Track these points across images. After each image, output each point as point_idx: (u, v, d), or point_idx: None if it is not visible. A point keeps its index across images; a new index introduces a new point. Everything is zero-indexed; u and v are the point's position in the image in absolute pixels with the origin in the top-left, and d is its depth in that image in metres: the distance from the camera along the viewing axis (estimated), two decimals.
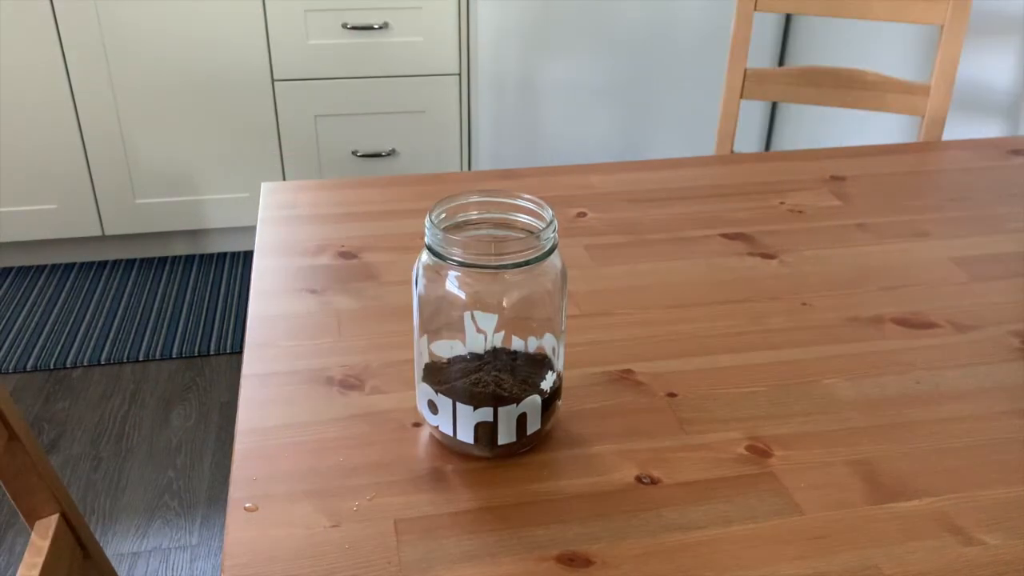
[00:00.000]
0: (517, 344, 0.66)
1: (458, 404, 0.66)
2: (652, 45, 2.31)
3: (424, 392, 0.68)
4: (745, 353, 0.83)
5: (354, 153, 2.39)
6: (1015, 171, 1.22)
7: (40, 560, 0.83)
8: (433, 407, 0.68)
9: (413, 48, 2.29)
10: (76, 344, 2.16)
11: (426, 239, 0.64)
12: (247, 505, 0.65)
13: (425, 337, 0.67)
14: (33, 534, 0.86)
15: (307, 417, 0.73)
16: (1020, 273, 0.97)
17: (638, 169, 1.21)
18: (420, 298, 0.66)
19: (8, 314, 2.27)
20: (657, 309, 0.89)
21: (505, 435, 0.67)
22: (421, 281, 0.66)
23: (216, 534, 1.66)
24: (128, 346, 2.16)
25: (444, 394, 0.66)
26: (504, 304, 0.64)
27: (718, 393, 0.77)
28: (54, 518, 0.88)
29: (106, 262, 2.50)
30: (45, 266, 2.48)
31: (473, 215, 0.68)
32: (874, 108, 1.51)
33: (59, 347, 2.15)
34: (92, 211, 2.36)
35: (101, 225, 2.38)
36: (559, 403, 0.71)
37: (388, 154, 2.41)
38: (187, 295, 2.37)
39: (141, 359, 2.12)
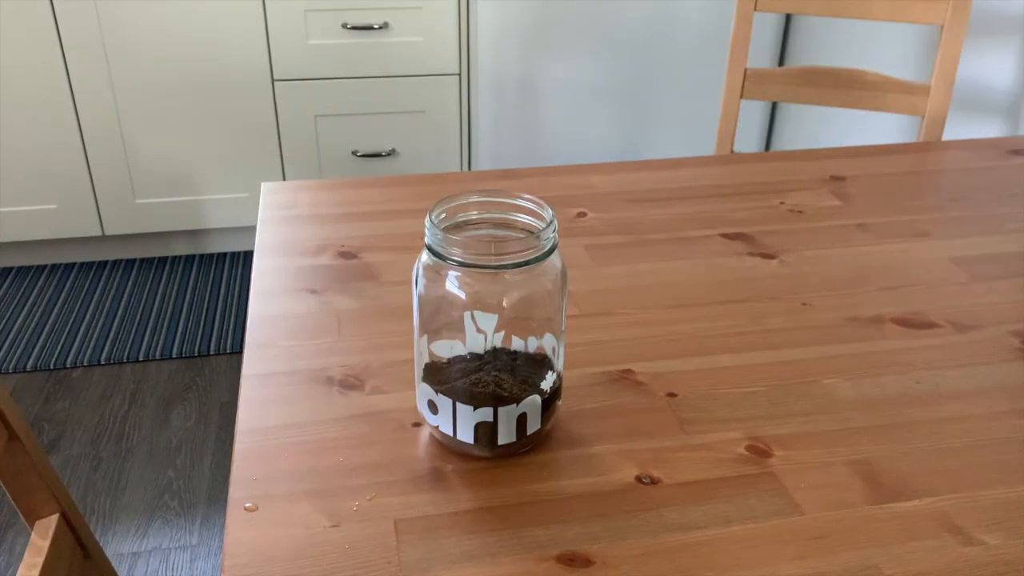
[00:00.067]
0: (517, 344, 0.66)
1: (458, 404, 0.66)
2: (652, 45, 2.31)
3: (424, 392, 0.68)
4: (745, 353, 0.83)
5: (354, 153, 2.39)
6: (1015, 171, 1.22)
7: (40, 560, 0.82)
8: (433, 407, 0.68)
9: (413, 48, 2.29)
10: (76, 344, 2.16)
11: (426, 239, 0.64)
12: (247, 505, 0.65)
13: (425, 337, 0.67)
14: (33, 534, 0.86)
15: (307, 417, 0.73)
16: (1020, 273, 0.97)
17: (638, 169, 1.21)
18: (420, 298, 0.66)
19: (8, 314, 2.27)
20: (657, 309, 0.89)
21: (505, 435, 0.67)
22: (421, 281, 0.66)
23: (216, 534, 1.66)
24: (128, 346, 2.16)
25: (444, 394, 0.66)
26: (504, 304, 0.64)
27: (718, 393, 0.77)
28: (54, 518, 0.88)
29: (106, 262, 2.50)
30: (45, 266, 2.48)
31: (473, 215, 0.68)
32: (874, 108, 1.51)
33: (59, 347, 2.15)
34: (92, 211, 2.36)
35: (101, 225, 2.38)
36: (559, 403, 0.71)
37: (388, 154, 2.41)
38: (187, 295, 2.37)
39: (141, 359, 2.12)
